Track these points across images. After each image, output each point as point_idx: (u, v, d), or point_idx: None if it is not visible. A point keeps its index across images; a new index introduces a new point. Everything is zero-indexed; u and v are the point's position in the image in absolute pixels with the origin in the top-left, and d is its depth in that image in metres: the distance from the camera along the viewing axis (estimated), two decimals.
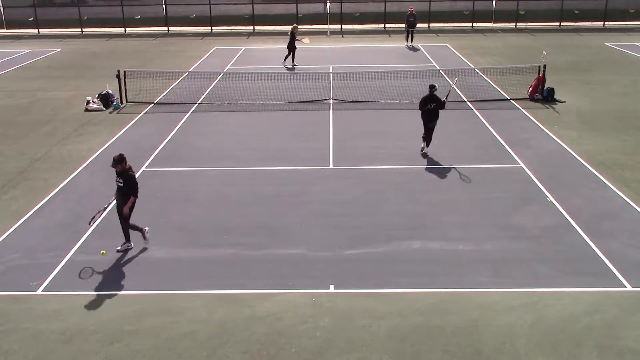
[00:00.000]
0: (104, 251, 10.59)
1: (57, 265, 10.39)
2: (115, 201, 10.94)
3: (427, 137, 15.26)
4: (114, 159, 10.49)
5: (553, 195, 12.94)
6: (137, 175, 14.26)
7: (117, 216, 10.89)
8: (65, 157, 15.73)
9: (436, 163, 14.94)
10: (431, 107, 14.78)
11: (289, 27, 28.75)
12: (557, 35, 35.66)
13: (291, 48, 27.00)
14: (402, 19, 36.15)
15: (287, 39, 27.23)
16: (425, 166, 14.75)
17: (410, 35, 32.46)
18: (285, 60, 27.29)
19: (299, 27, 28.59)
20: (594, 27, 38.81)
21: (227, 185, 13.84)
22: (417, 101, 15.86)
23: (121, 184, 10.58)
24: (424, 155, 15.31)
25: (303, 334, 8.55)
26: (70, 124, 18.80)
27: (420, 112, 15.12)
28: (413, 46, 32.05)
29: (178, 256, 10.73)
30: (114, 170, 10.66)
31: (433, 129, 15.11)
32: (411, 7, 33.38)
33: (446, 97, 15.04)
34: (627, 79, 23.82)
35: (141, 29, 40.62)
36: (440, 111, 15.09)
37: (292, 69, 26.64)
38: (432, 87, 14.79)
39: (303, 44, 27.80)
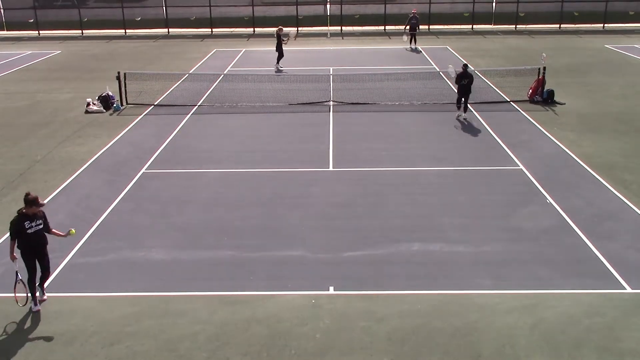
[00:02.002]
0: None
1: (57, 267, 10.39)
2: (18, 260, 9.06)
3: (464, 107, 18.28)
4: (31, 201, 8.95)
5: (552, 197, 12.95)
6: (136, 177, 14.38)
7: (42, 269, 9.29)
8: (65, 160, 15.74)
9: (436, 165, 14.96)
10: (465, 83, 17.80)
11: (289, 29, 28.74)
12: (557, 37, 35.69)
13: (279, 50, 27.03)
14: (402, 21, 36.17)
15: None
16: (425, 168, 14.76)
17: (412, 38, 32.39)
18: (277, 63, 27.27)
19: (284, 28, 28.50)
20: (593, 29, 38.83)
21: (227, 187, 13.85)
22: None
23: (41, 225, 9.11)
24: (464, 120, 18.20)
25: (303, 336, 8.56)
26: (70, 126, 18.82)
27: (457, 85, 18.45)
28: (416, 48, 31.97)
29: (178, 258, 10.73)
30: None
31: (467, 100, 18.19)
32: (414, 9, 33.38)
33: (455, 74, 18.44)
34: (626, 81, 23.84)
35: (141, 30, 40.63)
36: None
37: (280, 71, 26.60)
38: (465, 66, 18.02)
39: (291, 40, 27.64)
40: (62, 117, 19.84)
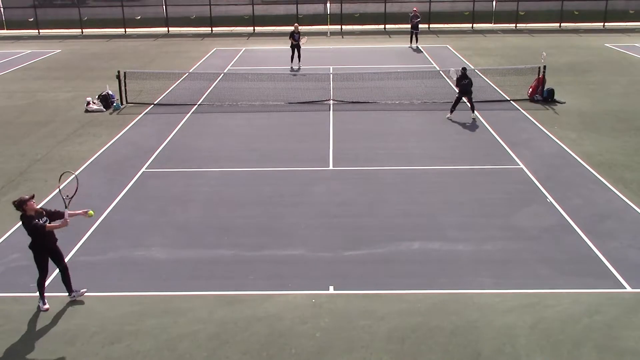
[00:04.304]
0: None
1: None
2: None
3: (471, 107, 18.60)
4: (17, 205, 8.87)
5: (553, 196, 12.95)
6: (136, 176, 14.39)
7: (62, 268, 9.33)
8: (65, 158, 15.74)
9: (436, 164, 14.95)
10: (465, 82, 18.37)
11: (289, 28, 28.71)
12: (557, 36, 35.68)
13: (294, 50, 27.00)
14: (402, 20, 36.16)
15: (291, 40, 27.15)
16: (425, 167, 14.76)
17: (414, 37, 32.25)
18: (295, 62, 27.19)
19: (299, 27, 28.44)
20: (594, 28, 38.82)
21: (227, 186, 13.85)
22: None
23: (48, 221, 8.97)
24: (472, 119, 18.42)
25: (303, 335, 8.56)
26: (70, 125, 18.82)
27: (457, 87, 18.86)
28: (417, 47, 31.82)
29: (178, 257, 10.73)
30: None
31: (472, 99, 18.59)
32: (415, 8, 33.34)
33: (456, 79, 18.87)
34: (627, 80, 23.83)
35: (141, 29, 40.64)
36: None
37: (292, 70, 26.59)
38: (464, 69, 18.57)
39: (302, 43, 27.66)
40: (62, 116, 19.84)
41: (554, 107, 20.10)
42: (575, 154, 15.45)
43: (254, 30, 39.93)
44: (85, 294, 9.53)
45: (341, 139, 16.87)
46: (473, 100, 18.61)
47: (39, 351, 8.30)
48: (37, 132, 18.06)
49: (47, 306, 9.23)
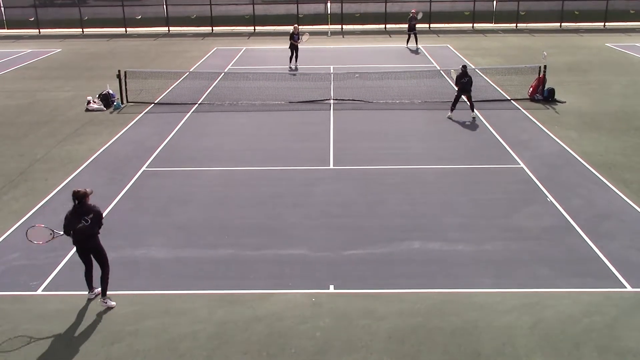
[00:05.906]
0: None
1: (57, 265, 10.40)
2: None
3: (470, 106, 18.64)
4: (80, 193, 8.84)
5: (553, 196, 12.94)
6: (137, 176, 14.38)
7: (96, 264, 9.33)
8: (65, 158, 15.74)
9: (436, 163, 14.95)
10: (465, 81, 18.38)
11: (289, 28, 28.72)
12: (558, 36, 35.67)
13: (292, 49, 26.95)
14: (403, 20, 36.09)
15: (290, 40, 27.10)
16: (425, 166, 14.76)
17: (412, 38, 31.98)
18: (293, 61, 27.12)
19: (299, 27, 28.40)
20: (594, 27, 38.81)
21: (228, 185, 13.85)
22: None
23: (88, 222, 8.93)
24: (472, 118, 18.46)
25: (303, 335, 8.56)
26: (70, 124, 18.82)
27: (456, 86, 19.00)
28: (415, 48, 31.65)
29: (178, 256, 10.73)
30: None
31: (471, 97, 18.59)
32: (414, 9, 33.28)
33: (455, 78, 18.97)
34: (627, 80, 23.82)
35: (142, 29, 40.65)
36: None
37: (291, 69, 26.58)
38: (464, 67, 18.58)
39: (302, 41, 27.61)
40: (62, 115, 19.84)
41: (555, 106, 20.10)
42: (576, 154, 15.44)
43: (254, 29, 39.93)
44: (84, 292, 9.52)
45: (342, 139, 16.87)
46: (472, 100, 18.60)
47: (38, 350, 8.30)
48: (37, 132, 18.06)
49: (112, 303, 9.25)
